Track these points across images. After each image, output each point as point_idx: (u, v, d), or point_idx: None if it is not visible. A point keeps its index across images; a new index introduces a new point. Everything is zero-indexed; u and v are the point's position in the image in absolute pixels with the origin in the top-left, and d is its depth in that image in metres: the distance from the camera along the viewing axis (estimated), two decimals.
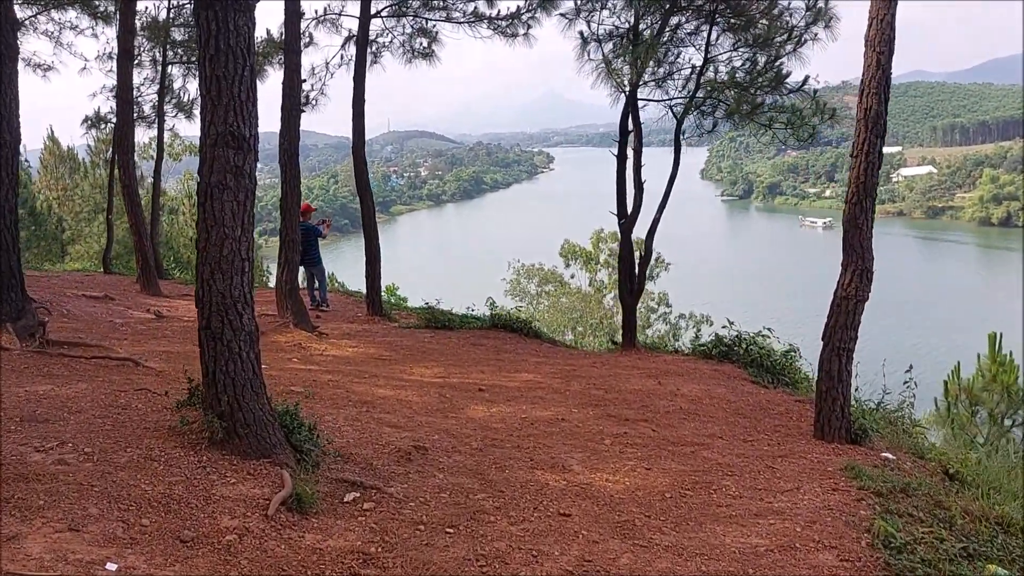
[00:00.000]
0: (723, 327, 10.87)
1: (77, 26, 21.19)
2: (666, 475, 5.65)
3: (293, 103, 11.17)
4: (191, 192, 39.95)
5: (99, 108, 23.40)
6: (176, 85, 23.33)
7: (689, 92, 11.39)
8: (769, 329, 10.65)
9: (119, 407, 5.65)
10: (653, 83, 11.43)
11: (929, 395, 11.40)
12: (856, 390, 9.26)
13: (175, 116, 24.21)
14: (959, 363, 11.99)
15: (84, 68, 22.01)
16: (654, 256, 47.90)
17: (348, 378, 8.09)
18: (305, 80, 11.80)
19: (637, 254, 12.55)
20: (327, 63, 16.24)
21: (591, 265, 45.75)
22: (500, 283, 45.67)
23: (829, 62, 12.52)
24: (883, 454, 6.52)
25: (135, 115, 21.99)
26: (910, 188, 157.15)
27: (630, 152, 12.27)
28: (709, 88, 10.92)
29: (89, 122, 24.35)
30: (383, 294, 36.93)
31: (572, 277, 46.50)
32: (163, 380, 6.82)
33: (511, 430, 6.64)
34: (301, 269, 15.18)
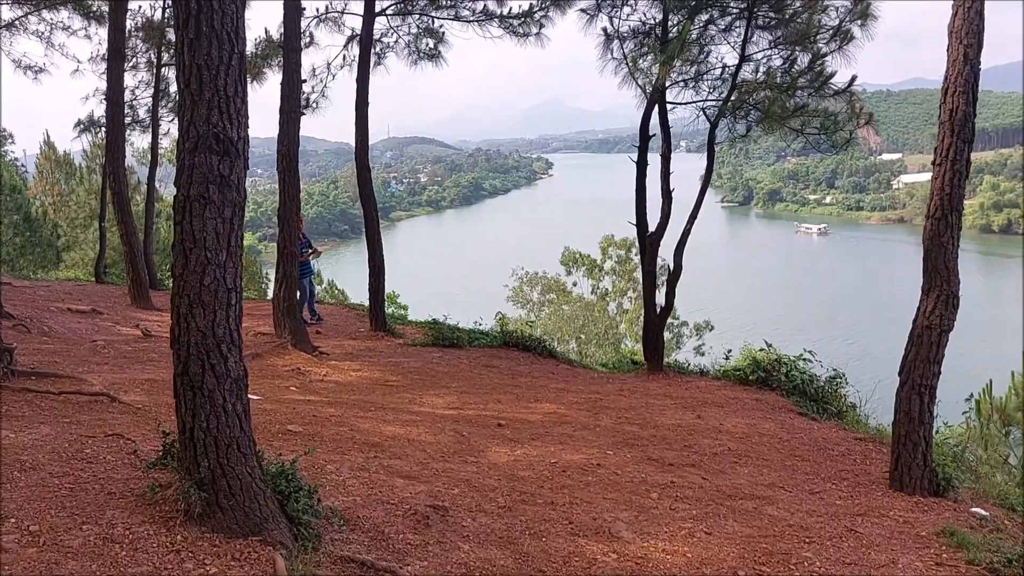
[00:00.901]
0: (760, 349, 9.98)
1: (69, 27, 20.34)
2: (732, 542, 4.75)
3: (292, 105, 10.30)
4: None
5: (92, 112, 22.50)
6: (172, 88, 22.52)
7: (721, 93, 10.52)
8: (811, 352, 9.75)
9: (83, 460, 4.76)
10: (681, 83, 10.56)
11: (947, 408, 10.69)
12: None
13: (171, 120, 23.31)
14: (991, 381, 11.44)
15: (76, 70, 21.17)
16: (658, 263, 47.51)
17: (352, 411, 7.18)
18: (305, 80, 10.94)
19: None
20: (328, 64, 15.41)
21: (595, 272, 44.88)
22: (502, 290, 44.90)
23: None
24: (973, 509, 5.64)
25: (130, 119, 21.17)
26: (911, 195, 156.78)
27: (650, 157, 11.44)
28: (745, 89, 10.04)
29: (81, 126, 23.43)
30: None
31: (575, 285, 45.67)
32: (140, 420, 5.93)
33: (541, 479, 5.73)
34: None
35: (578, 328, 40.94)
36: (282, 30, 12.58)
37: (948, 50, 5.81)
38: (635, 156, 11.69)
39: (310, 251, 14.52)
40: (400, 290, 38.12)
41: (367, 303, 14.85)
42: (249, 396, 6.84)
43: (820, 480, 6.19)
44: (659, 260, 12.70)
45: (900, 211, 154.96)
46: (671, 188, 10.61)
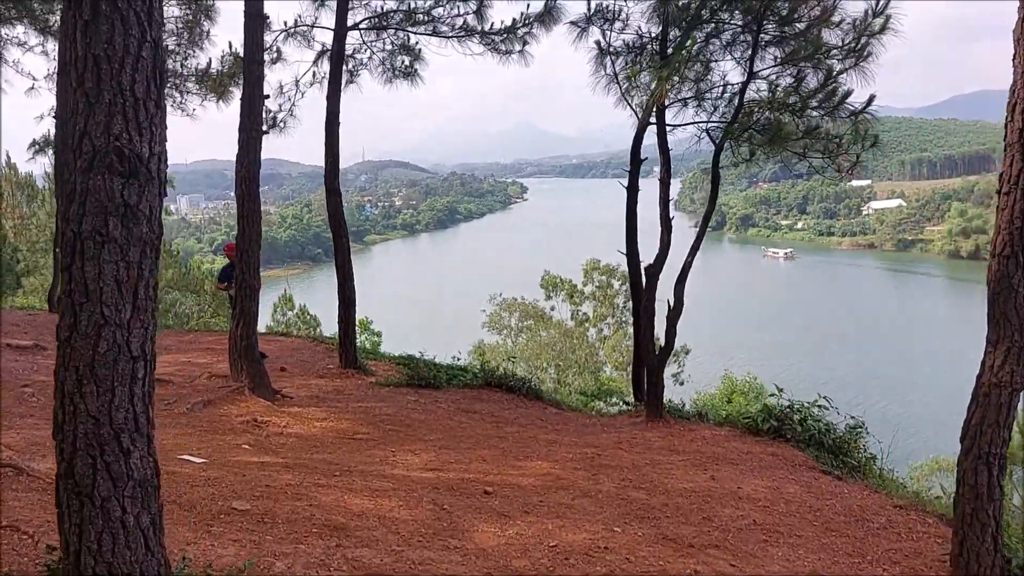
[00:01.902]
0: (771, 395, 9.06)
1: (25, 42, 19.22)
2: None
3: (253, 123, 9.28)
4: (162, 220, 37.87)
5: (48, 131, 21.26)
6: None
7: (725, 114, 9.68)
8: (826, 399, 8.83)
9: None
10: (681, 103, 9.70)
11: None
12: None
13: None
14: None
15: (32, 88, 19.99)
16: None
17: (313, 476, 6.12)
18: (268, 96, 9.95)
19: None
20: (297, 81, 14.44)
21: (575, 297, 44.02)
22: (478, 314, 43.82)
23: None
24: None
25: None
26: (880, 221, 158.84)
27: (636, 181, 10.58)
28: (754, 108, 9.20)
29: (36, 146, 22.15)
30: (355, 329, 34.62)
31: (552, 309, 44.75)
32: (48, 501, 4.83)
33: (540, 572, 4.72)
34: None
35: (556, 355, 39.97)
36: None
37: (1014, 63, 4.96)
38: (625, 181, 10.83)
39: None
40: (374, 315, 37.00)
41: (337, 334, 13.78)
42: (191, 459, 5.74)
43: (868, 564, 5.23)
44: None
45: (870, 236, 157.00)
46: (671, 216, 9.71)
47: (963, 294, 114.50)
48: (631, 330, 45.50)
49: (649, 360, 9.64)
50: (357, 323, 35.67)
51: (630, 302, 44.71)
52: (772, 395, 9.02)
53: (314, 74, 14.46)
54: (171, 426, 7.48)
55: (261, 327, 40.24)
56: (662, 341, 10.53)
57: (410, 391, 10.98)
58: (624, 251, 12.46)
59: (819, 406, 8.79)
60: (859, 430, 8.47)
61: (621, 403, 12.44)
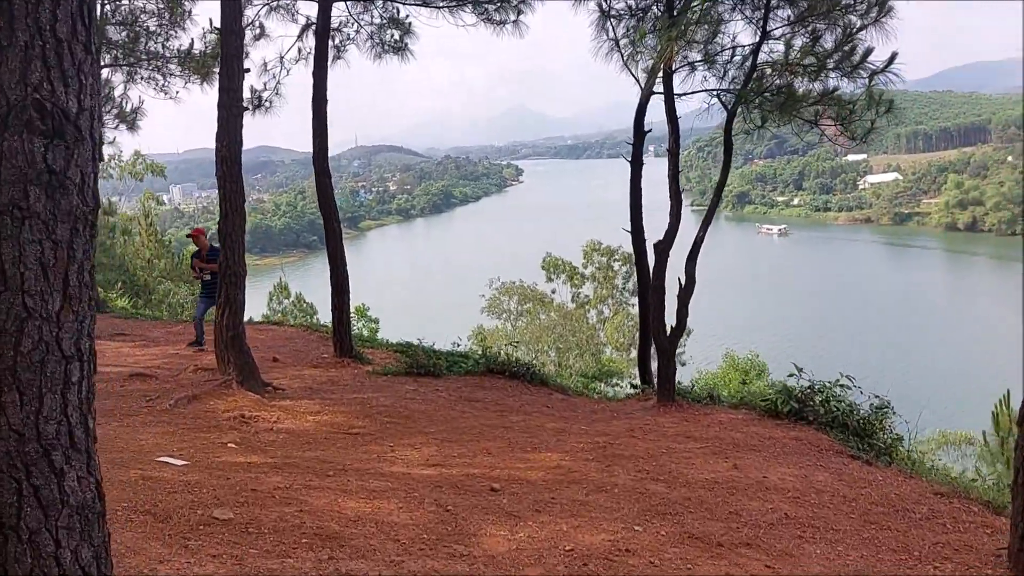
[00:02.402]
0: (790, 375, 8.56)
1: None
2: None
3: (232, 98, 8.71)
4: (148, 211, 37.19)
5: None
6: (118, 92, 20.75)
7: (733, 79, 9.11)
8: (850, 378, 8.33)
9: None
10: (688, 68, 9.13)
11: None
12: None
13: (116, 128, 21.48)
14: (1009, 392, 10.46)
15: None
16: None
17: (304, 477, 5.62)
18: (248, 70, 9.36)
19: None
20: (281, 57, 13.87)
21: (575, 279, 43.52)
22: (476, 299, 43.33)
23: None
24: None
25: None
26: (877, 195, 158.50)
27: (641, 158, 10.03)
28: (770, 71, 8.63)
29: None
30: (352, 317, 34.11)
31: (553, 292, 44.30)
32: None
33: None
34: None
35: (557, 338, 39.54)
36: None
37: None
38: (624, 159, 10.27)
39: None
40: (371, 302, 36.49)
41: (331, 323, 13.27)
42: (171, 461, 5.21)
43: (916, 561, 4.75)
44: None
45: (867, 211, 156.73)
46: (680, 189, 9.17)
47: (961, 266, 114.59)
48: (632, 311, 45.24)
49: (660, 342, 9.12)
50: (353, 310, 35.13)
51: (631, 283, 44.38)
52: (791, 375, 8.52)
53: (299, 50, 13.88)
54: (152, 424, 6.98)
55: (257, 316, 39.42)
56: (671, 321, 10.06)
57: (408, 380, 10.48)
58: (628, 229, 11.95)
59: (841, 386, 8.30)
60: (884, 410, 7.98)
61: (628, 386, 11.94)
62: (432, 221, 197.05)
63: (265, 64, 13.82)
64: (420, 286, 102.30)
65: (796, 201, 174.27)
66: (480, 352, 12.11)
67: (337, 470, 5.92)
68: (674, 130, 9.25)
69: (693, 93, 9.20)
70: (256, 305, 41.88)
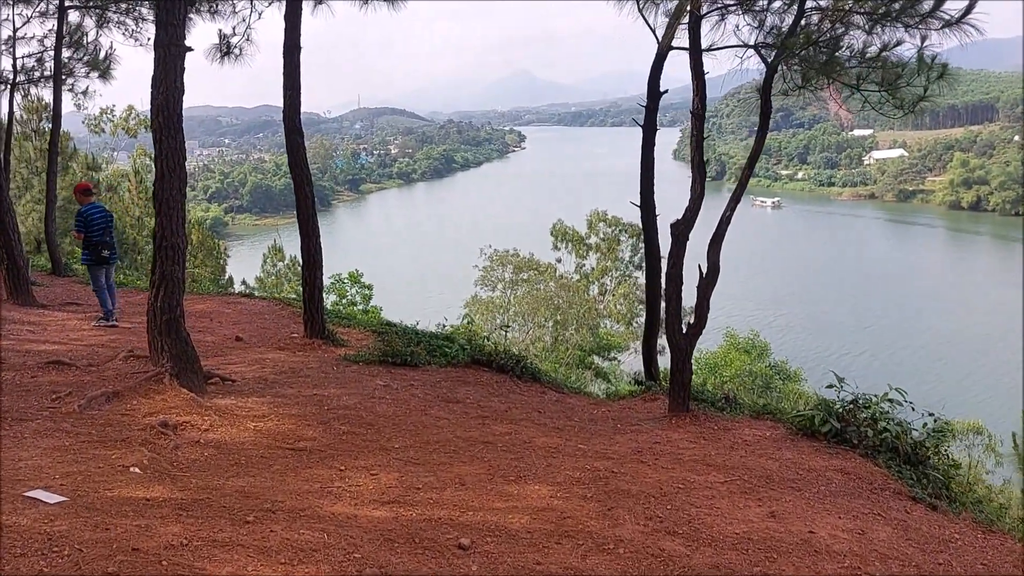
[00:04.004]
0: (829, 387, 7.20)
1: None
2: None
3: (172, 35, 7.22)
4: (139, 168, 35.69)
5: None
6: (88, 38, 19.14)
7: (770, 29, 7.63)
8: (900, 391, 6.97)
9: None
10: (718, 12, 7.64)
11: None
12: None
13: (87, 76, 19.85)
14: None
15: None
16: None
17: (214, 525, 4.27)
18: (195, 2, 7.84)
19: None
20: None
21: (581, 249, 42.08)
22: (472, 270, 41.92)
23: None
24: None
25: (20, 67, 17.88)
26: (881, 171, 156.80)
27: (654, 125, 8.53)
28: (818, 17, 7.15)
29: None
30: (345, 283, 32.61)
31: (559, 261, 42.93)
32: None
33: None
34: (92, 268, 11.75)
35: (555, 310, 38.20)
36: None
37: None
38: (638, 123, 8.80)
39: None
40: (366, 267, 35.13)
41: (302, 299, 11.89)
42: (43, 498, 3.93)
43: None
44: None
45: (871, 187, 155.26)
46: (704, 160, 7.72)
47: (963, 244, 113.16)
48: (640, 280, 43.76)
49: (675, 340, 7.73)
50: (346, 276, 33.45)
51: (638, 256, 42.90)
52: (830, 386, 7.16)
53: None
54: (47, 434, 5.62)
55: (251, 279, 37.86)
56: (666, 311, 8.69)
57: (381, 371, 9.13)
58: (638, 203, 10.53)
59: (889, 400, 6.95)
60: (942, 434, 6.64)
61: (627, 368, 10.62)
62: (433, 185, 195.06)
63: (233, 5, 12.28)
64: (417, 251, 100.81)
65: (800, 175, 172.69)
66: (466, 340, 10.72)
67: (262, 511, 4.57)
68: (699, 89, 7.78)
69: (729, 48, 7.67)
70: (251, 268, 40.76)
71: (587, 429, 7.26)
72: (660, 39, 9.32)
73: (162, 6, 7.26)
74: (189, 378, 7.25)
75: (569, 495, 5.25)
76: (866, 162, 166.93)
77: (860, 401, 6.87)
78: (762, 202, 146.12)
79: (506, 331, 24.24)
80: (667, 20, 8.84)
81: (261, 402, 7.20)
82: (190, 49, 7.47)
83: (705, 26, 8.25)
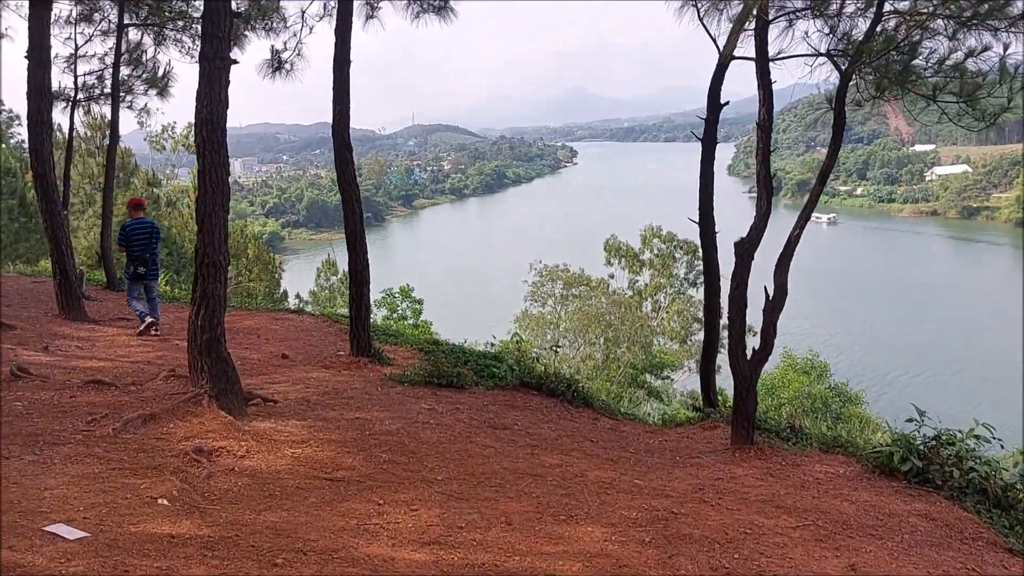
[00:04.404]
0: (909, 420, 6.62)
1: None
2: None
3: (217, 47, 7.05)
4: (195, 185, 36.39)
5: (60, 82, 19.18)
6: (148, 55, 19.40)
7: (841, 35, 7.13)
8: (987, 426, 6.37)
9: None
10: (785, 19, 7.17)
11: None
12: None
13: (145, 93, 20.09)
14: None
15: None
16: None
17: (240, 565, 3.95)
18: (239, 14, 7.68)
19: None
20: (303, 12, 12.21)
21: (634, 265, 41.46)
22: (522, 285, 41.57)
23: None
24: None
25: (81, 85, 18.14)
26: (944, 187, 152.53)
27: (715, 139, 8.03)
28: (895, 22, 6.65)
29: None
30: (396, 298, 32.49)
31: (612, 277, 42.38)
32: None
33: None
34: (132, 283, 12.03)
35: (606, 326, 37.63)
36: None
37: None
38: (703, 141, 8.34)
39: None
40: (417, 281, 35.11)
41: (349, 317, 11.66)
42: (63, 533, 3.66)
43: None
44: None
45: (933, 203, 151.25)
46: (771, 174, 7.25)
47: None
48: (692, 299, 42.76)
49: (739, 367, 7.22)
50: (397, 291, 33.31)
51: (692, 272, 42.03)
52: (909, 420, 6.58)
53: (325, 5, 12.24)
54: (77, 460, 5.39)
55: (304, 293, 38.17)
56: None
57: (427, 393, 8.81)
58: (696, 219, 10.07)
59: (976, 436, 6.35)
60: None
61: (688, 404, 10.13)
62: (484, 201, 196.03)
63: (285, 19, 12.21)
64: (467, 266, 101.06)
65: (859, 191, 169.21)
66: (514, 360, 10.34)
67: (292, 552, 4.24)
68: (766, 98, 7.29)
69: (798, 56, 7.18)
70: (306, 281, 41.18)
71: (644, 461, 6.81)
72: (721, 48, 8.89)
73: (208, 18, 7.09)
74: (228, 400, 7.00)
75: (625, 539, 4.81)
76: (928, 178, 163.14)
77: (943, 437, 6.29)
78: (817, 218, 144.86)
79: (557, 351, 23.75)
80: (730, 27, 8.42)
81: (301, 426, 6.92)
82: (235, 62, 7.29)
83: (771, 32, 7.78)
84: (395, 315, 30.51)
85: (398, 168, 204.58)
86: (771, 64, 7.92)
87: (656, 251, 40.99)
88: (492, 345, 12.11)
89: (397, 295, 32.30)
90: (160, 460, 5.50)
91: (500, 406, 8.41)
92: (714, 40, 8.87)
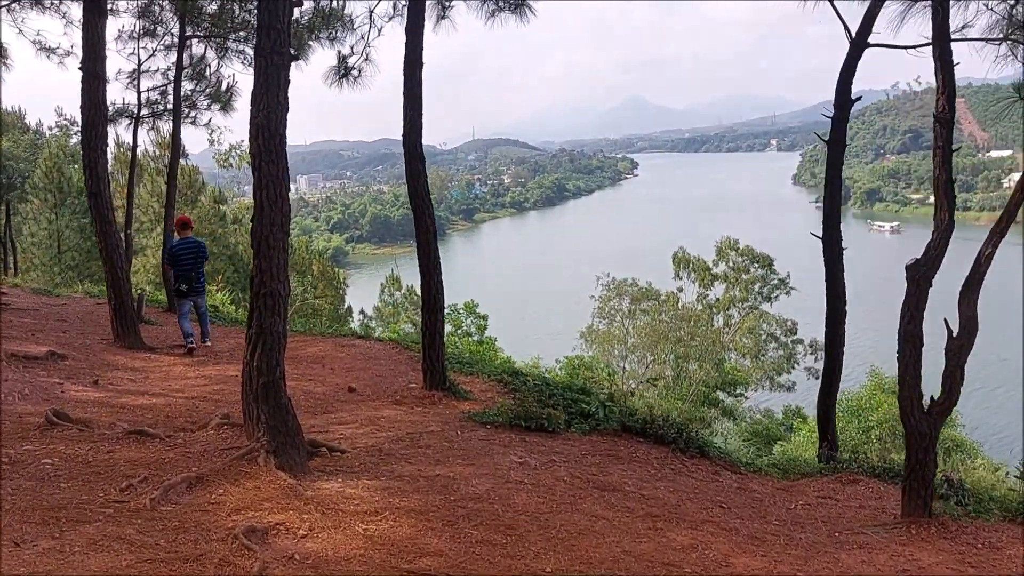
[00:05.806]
0: None
1: None
2: None
3: (274, 43, 6.01)
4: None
5: (123, 99, 18.66)
6: (211, 68, 18.81)
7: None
8: None
9: None
10: None
11: None
12: None
13: (208, 108, 19.48)
14: None
15: None
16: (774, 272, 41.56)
17: None
18: (301, 3, 6.66)
19: None
20: (371, 12, 11.24)
21: (705, 279, 39.91)
22: (587, 294, 40.26)
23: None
24: None
25: (145, 101, 17.58)
26: None
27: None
28: None
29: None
30: (460, 313, 31.37)
31: (680, 291, 40.85)
32: None
33: None
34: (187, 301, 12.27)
35: (676, 343, 36.10)
36: None
37: None
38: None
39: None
40: (481, 296, 34.14)
41: (421, 346, 10.56)
42: None
43: None
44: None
45: None
46: (953, 178, 5.86)
47: None
48: (766, 315, 40.69)
49: (912, 420, 5.80)
50: (461, 306, 32.21)
51: (767, 287, 40.11)
52: None
53: (395, 5, 11.26)
54: (100, 547, 4.32)
55: (368, 308, 37.49)
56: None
57: (514, 438, 7.62)
58: (819, 235, 8.69)
59: None
60: None
61: (816, 458, 8.78)
62: (545, 214, 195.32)
63: (351, 20, 11.26)
64: (529, 279, 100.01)
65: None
66: (607, 397, 9.07)
67: None
68: (946, 85, 5.89)
69: (984, 41, 5.80)
70: (370, 295, 40.64)
71: (795, 540, 5.46)
72: (853, 32, 7.55)
73: (264, 7, 6.06)
74: (288, 455, 5.91)
75: None
76: (1005, 185, 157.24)
77: None
78: (879, 227, 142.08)
79: (655, 385, 22.34)
80: (866, 6, 7.08)
81: (373, 487, 5.78)
82: (295, 58, 6.26)
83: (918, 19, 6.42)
84: (459, 331, 29.57)
85: (459, 183, 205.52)
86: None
87: (731, 264, 39.28)
88: (559, 362, 10.90)
89: (461, 311, 31.34)
90: (203, 547, 4.40)
91: (602, 457, 7.16)
92: (842, 20, 7.55)
